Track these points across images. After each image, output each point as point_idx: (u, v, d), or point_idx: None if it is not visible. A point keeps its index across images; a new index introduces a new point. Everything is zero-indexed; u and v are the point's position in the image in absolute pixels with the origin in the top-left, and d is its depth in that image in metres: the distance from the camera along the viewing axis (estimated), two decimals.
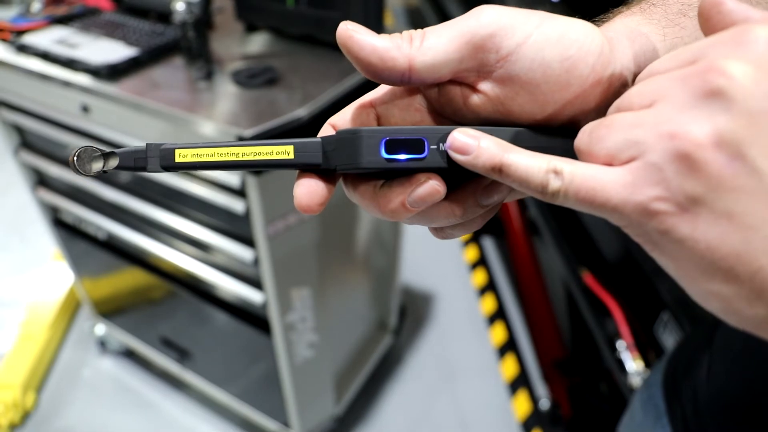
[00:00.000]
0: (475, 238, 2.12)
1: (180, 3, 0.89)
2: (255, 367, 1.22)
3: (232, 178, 0.85)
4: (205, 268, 1.06)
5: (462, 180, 0.26)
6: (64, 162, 1.14)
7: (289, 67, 0.96)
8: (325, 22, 0.97)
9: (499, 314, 1.81)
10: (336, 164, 0.25)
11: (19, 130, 1.17)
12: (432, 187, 0.24)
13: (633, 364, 1.11)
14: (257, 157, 0.25)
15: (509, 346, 1.70)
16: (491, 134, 0.23)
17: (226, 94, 0.89)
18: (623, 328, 1.16)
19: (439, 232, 0.28)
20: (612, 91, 0.24)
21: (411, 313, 1.78)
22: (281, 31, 1.08)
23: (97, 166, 0.25)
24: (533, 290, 1.76)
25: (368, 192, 0.26)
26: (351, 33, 0.24)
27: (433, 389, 1.57)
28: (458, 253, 2.07)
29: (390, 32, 0.92)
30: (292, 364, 1.11)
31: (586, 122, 0.24)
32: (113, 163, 0.26)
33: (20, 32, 1.04)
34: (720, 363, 0.41)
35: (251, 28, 1.10)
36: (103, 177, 1.10)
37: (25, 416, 1.46)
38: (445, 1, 2.80)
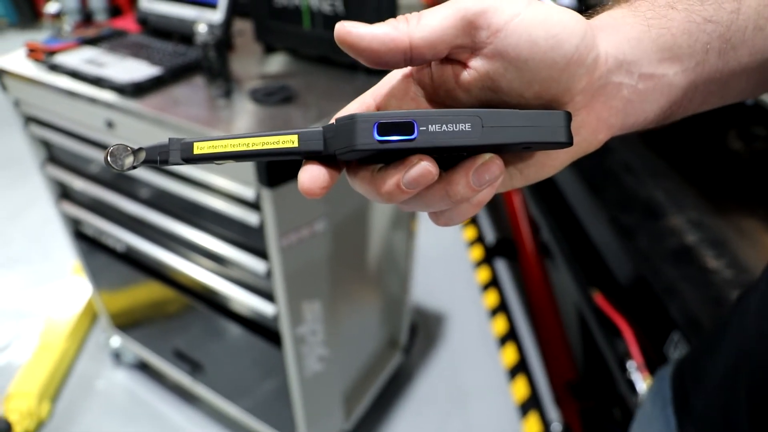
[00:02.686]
0: (488, 260, 2.13)
1: (202, 25, 0.93)
2: (265, 381, 1.23)
3: (246, 191, 0.88)
4: (220, 281, 1.09)
5: (454, 161, 0.27)
6: (87, 176, 1.19)
7: (304, 86, 1.00)
8: None
9: (511, 335, 1.80)
10: (335, 149, 0.27)
11: (47, 145, 1.22)
12: (424, 167, 0.25)
13: (643, 384, 1.10)
14: (265, 146, 0.27)
15: (520, 368, 1.69)
16: (482, 115, 0.25)
17: (244, 111, 0.93)
18: (633, 348, 1.16)
19: (439, 217, 0.29)
20: (597, 75, 0.26)
21: (422, 332, 1.78)
22: (298, 53, 1.12)
23: (129, 161, 0.27)
24: (545, 312, 1.75)
25: (366, 177, 0.27)
26: (348, 29, 0.26)
27: (443, 409, 1.57)
28: (470, 273, 2.08)
29: None
30: (302, 378, 1.12)
31: (572, 103, 0.26)
32: (141, 157, 0.28)
33: (52, 52, 1.09)
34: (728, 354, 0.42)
35: (269, 49, 1.14)
36: (123, 190, 1.14)
37: (40, 425, 1.49)
38: None
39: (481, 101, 0.28)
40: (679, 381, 0.48)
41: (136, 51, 1.10)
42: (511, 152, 0.29)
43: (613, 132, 0.29)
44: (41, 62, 1.08)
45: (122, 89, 0.96)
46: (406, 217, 1.34)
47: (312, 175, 0.27)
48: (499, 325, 1.85)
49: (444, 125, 0.25)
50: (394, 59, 0.26)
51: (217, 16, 1.05)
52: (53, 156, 1.23)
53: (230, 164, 0.87)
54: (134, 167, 0.28)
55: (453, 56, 0.27)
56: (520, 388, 1.63)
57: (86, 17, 1.46)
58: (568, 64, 0.25)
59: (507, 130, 0.26)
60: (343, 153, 0.26)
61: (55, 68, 1.05)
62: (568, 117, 0.26)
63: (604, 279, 1.30)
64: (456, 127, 0.25)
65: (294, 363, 1.09)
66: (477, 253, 2.18)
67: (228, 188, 0.91)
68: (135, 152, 0.28)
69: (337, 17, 0.97)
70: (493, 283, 2.03)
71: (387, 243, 1.30)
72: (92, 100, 0.98)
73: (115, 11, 1.50)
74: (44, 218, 2.25)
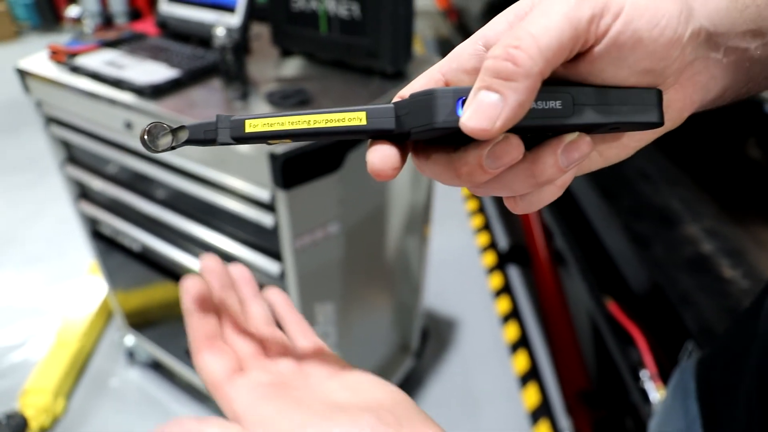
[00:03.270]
0: (501, 266, 2.12)
1: (220, 29, 0.95)
2: None
3: (261, 192, 0.89)
4: None
5: (541, 139, 0.25)
6: (106, 176, 1.21)
7: (320, 89, 1.01)
8: (356, 49, 1.02)
9: (523, 342, 1.80)
10: (410, 127, 0.24)
11: (67, 146, 1.24)
12: (510, 144, 0.23)
13: (656, 394, 1.09)
14: (329, 124, 0.25)
15: (532, 375, 1.69)
16: (573, 93, 0.24)
17: (260, 113, 0.94)
18: (647, 357, 1.15)
19: (518, 202, 0.28)
20: (689, 50, 0.25)
21: (433, 337, 1.78)
22: (314, 57, 1.13)
23: (167, 141, 0.26)
24: (558, 319, 1.75)
25: (442, 159, 0.25)
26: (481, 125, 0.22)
27: (453, 414, 1.56)
28: (483, 279, 2.07)
29: (419, 60, 0.96)
30: None
31: (664, 83, 0.25)
32: (183, 136, 0.26)
33: (73, 54, 1.11)
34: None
35: (286, 53, 1.16)
36: (140, 190, 1.15)
37: (55, 421, 1.51)
38: (474, 32, 2.86)
39: (567, 82, 0.25)
40: (705, 371, 0.48)
41: (155, 53, 1.11)
42: (597, 132, 0.27)
43: (694, 108, 0.28)
44: (63, 64, 1.10)
45: (141, 91, 0.98)
46: (419, 222, 1.35)
47: (383, 155, 0.25)
48: (511, 331, 1.84)
49: (533, 102, 0.23)
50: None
51: (235, 19, 1.07)
52: (73, 156, 1.25)
53: (246, 164, 0.88)
54: (173, 148, 0.26)
55: None
56: (531, 396, 1.62)
57: (107, 20, 1.49)
58: (668, 50, 0.24)
59: (599, 108, 0.24)
60: (420, 131, 0.24)
61: (76, 70, 1.07)
62: (660, 95, 0.25)
63: (618, 287, 1.29)
64: (546, 105, 0.23)
65: None
66: (490, 259, 2.18)
67: (243, 189, 0.92)
68: (175, 131, 0.26)
69: (354, 22, 0.98)
70: (506, 289, 2.02)
71: (400, 247, 1.31)
72: (112, 102, 1.00)
73: (134, 15, 1.53)
74: (61, 218, 2.29)
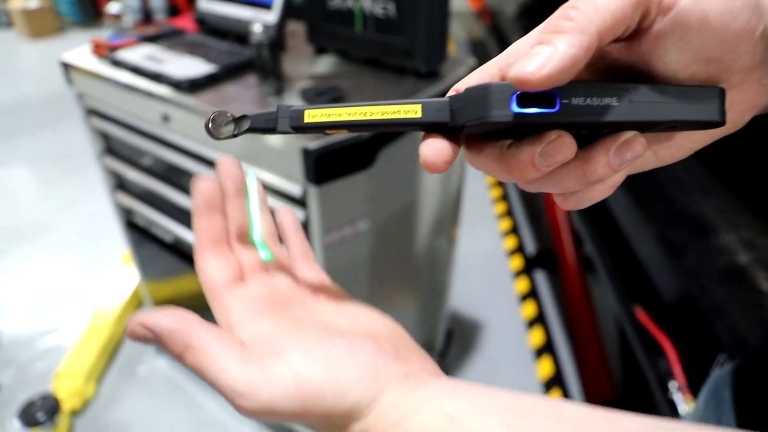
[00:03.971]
0: (527, 270, 2.10)
1: (257, 25, 0.96)
2: None
3: (293, 187, 0.90)
4: None
5: (594, 138, 0.25)
6: (141, 168, 1.23)
7: (353, 87, 1.01)
8: (390, 47, 1.02)
9: (547, 348, 1.78)
10: (464, 120, 0.25)
11: (105, 137, 1.27)
12: (563, 143, 0.23)
13: (685, 406, 1.07)
14: (385, 116, 0.26)
15: (556, 381, 1.67)
16: (630, 89, 0.23)
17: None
18: (676, 368, 1.12)
19: (568, 199, 0.27)
20: (761, 49, 0.23)
21: (458, 338, 1.78)
22: (348, 55, 1.14)
23: (229, 129, 0.27)
24: (584, 326, 1.72)
25: (494, 154, 0.25)
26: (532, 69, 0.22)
27: None
28: (509, 283, 2.06)
29: (453, 61, 0.96)
30: None
31: (728, 82, 0.24)
32: (245, 125, 0.27)
33: (115, 48, 1.15)
34: None
35: (320, 50, 1.17)
36: (174, 182, 1.18)
37: (85, 404, 1.55)
38: (508, 34, 2.84)
39: (623, 78, 0.25)
40: (742, 379, 0.47)
41: (193, 49, 1.14)
42: (653, 131, 0.26)
43: (756, 112, 0.27)
44: (104, 57, 1.13)
45: (179, 85, 1.00)
46: (448, 223, 1.34)
47: (436, 148, 0.25)
48: (536, 336, 1.82)
49: (588, 98, 0.23)
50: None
51: (271, 17, 1.08)
52: (110, 148, 1.29)
53: (278, 159, 0.89)
54: (235, 135, 0.27)
55: None
56: None
57: (146, 16, 1.52)
58: (737, 41, 0.23)
59: (656, 106, 0.23)
60: (474, 125, 0.24)
61: (117, 63, 1.10)
62: (723, 94, 0.24)
63: (648, 296, 1.27)
64: (601, 101, 0.23)
65: None
66: (517, 262, 2.16)
67: (275, 183, 0.94)
68: (237, 120, 0.27)
69: (389, 21, 0.99)
70: (532, 293, 2.00)
71: (427, 247, 1.31)
72: (150, 95, 1.02)
73: (173, 11, 1.56)
74: (95, 210, 2.35)
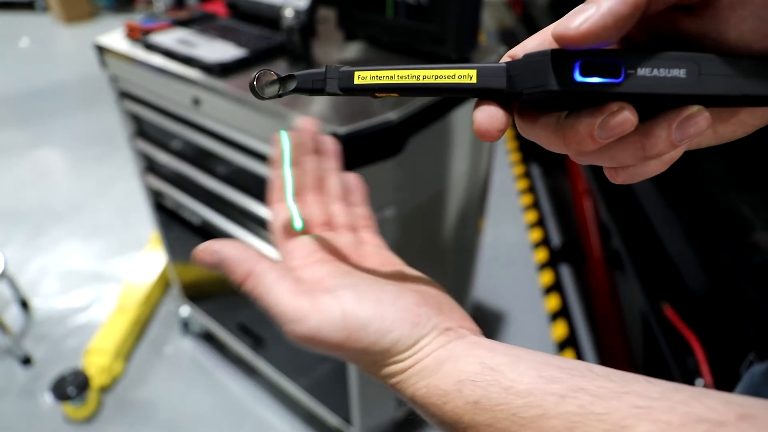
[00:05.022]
0: (552, 263, 2.08)
1: (289, 9, 0.96)
2: (324, 363, 1.26)
3: None
4: None
5: (655, 110, 0.23)
6: (172, 150, 1.25)
7: None
8: (421, 34, 1.02)
9: (570, 341, 1.76)
10: (522, 88, 0.24)
11: (137, 120, 1.29)
12: (625, 116, 0.22)
13: None
14: (438, 81, 0.25)
15: None
16: (700, 61, 0.22)
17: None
18: (704, 366, 1.10)
19: (619, 173, 0.26)
20: None
21: (480, 329, 1.77)
22: (378, 41, 1.14)
23: (274, 89, 0.26)
24: (609, 321, 1.70)
25: (550, 124, 0.25)
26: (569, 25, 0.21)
27: None
28: (533, 276, 2.04)
29: (483, 49, 0.95)
30: None
31: None
32: (291, 85, 0.26)
33: (148, 32, 1.16)
34: None
35: (350, 36, 1.16)
36: (203, 165, 1.19)
37: (113, 381, 1.59)
38: (539, 24, 2.79)
39: (693, 48, 0.23)
40: None
41: (225, 33, 1.14)
42: (719, 106, 0.24)
43: None
44: (138, 41, 1.15)
45: (210, 69, 1.01)
46: (474, 213, 1.34)
47: (491, 115, 0.25)
48: (559, 329, 1.80)
49: (655, 69, 0.22)
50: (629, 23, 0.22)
51: (302, 2, 1.08)
52: (142, 130, 1.31)
53: None
54: (280, 95, 0.26)
55: (680, 2, 0.22)
56: None
57: (178, 1, 1.54)
58: None
59: (727, 79, 0.22)
60: (533, 93, 0.23)
61: (150, 47, 1.11)
62: None
63: (677, 292, 1.24)
64: (669, 73, 0.22)
65: None
66: (541, 255, 2.14)
67: None
68: (283, 80, 0.26)
69: (421, 7, 0.98)
70: (556, 286, 1.98)
71: (453, 237, 1.30)
72: (181, 78, 1.03)
73: None
74: (128, 191, 2.40)
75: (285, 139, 0.37)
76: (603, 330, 1.70)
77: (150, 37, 1.14)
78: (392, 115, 0.88)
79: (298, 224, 0.36)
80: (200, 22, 1.22)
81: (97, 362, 1.53)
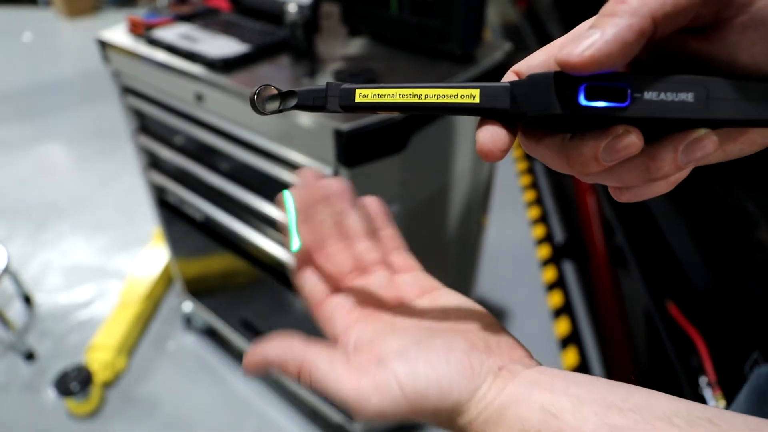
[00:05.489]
0: (555, 260, 2.08)
1: (292, 5, 0.96)
2: None
3: (325, 169, 0.90)
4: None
5: (662, 133, 0.23)
6: (174, 146, 1.25)
7: (387, 70, 1.00)
8: (426, 30, 1.01)
9: (573, 338, 1.76)
10: (526, 109, 0.24)
11: (140, 115, 1.29)
12: (630, 139, 0.22)
13: (715, 402, 1.05)
14: (441, 100, 0.25)
15: (581, 372, 1.65)
16: (708, 85, 0.21)
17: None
18: (707, 363, 1.10)
19: (624, 192, 0.26)
20: None
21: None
22: (383, 36, 1.13)
23: (274, 104, 0.26)
24: (611, 317, 1.69)
25: (555, 144, 0.24)
26: (572, 52, 0.21)
27: None
28: (536, 272, 2.04)
29: (488, 46, 0.94)
30: None
31: None
32: (292, 101, 0.26)
33: (150, 27, 1.15)
34: None
35: (354, 32, 1.16)
36: (206, 161, 1.19)
37: (116, 377, 1.59)
38: (544, 20, 2.78)
39: (702, 71, 0.23)
40: None
41: (227, 28, 1.14)
42: (726, 127, 0.24)
43: None
44: (140, 36, 1.14)
45: (213, 64, 1.00)
46: (478, 209, 1.33)
47: (493, 135, 0.24)
48: (562, 326, 1.80)
49: (662, 93, 0.22)
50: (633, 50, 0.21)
51: None
52: (145, 126, 1.31)
53: (311, 141, 0.89)
54: (281, 111, 0.26)
55: (689, 25, 0.22)
56: None
57: None
58: None
59: (735, 104, 0.21)
60: (536, 116, 0.23)
61: (153, 42, 1.10)
62: None
63: (681, 290, 1.24)
64: (676, 97, 0.22)
65: None
66: (544, 251, 2.13)
67: (306, 165, 0.94)
68: (284, 95, 0.26)
69: (425, 2, 0.97)
70: (559, 283, 1.98)
71: (456, 233, 1.30)
72: (184, 74, 1.03)
73: None
74: (131, 187, 2.40)
75: (289, 199, 0.36)
76: (606, 327, 1.69)
77: (153, 32, 1.13)
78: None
79: (295, 246, 0.35)
80: (203, 17, 1.22)
81: (100, 358, 1.54)
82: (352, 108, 0.26)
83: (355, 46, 1.13)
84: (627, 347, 1.60)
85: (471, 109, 0.25)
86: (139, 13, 1.22)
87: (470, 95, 0.24)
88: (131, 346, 1.68)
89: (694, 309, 1.19)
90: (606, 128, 0.22)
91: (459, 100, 0.25)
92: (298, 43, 0.98)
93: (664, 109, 0.22)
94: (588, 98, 0.22)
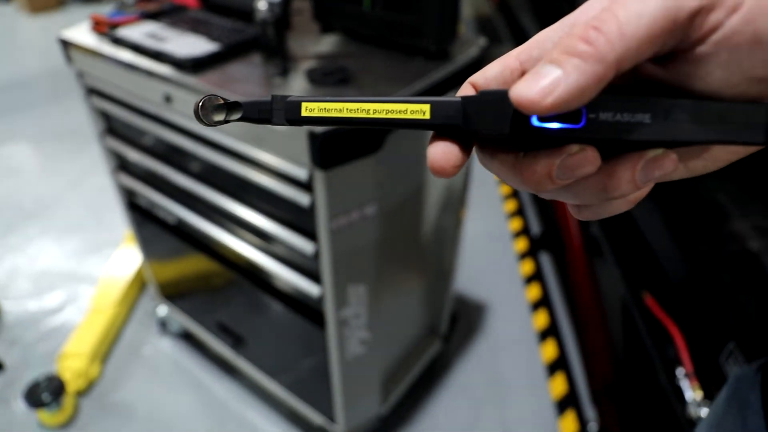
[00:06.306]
0: (532, 252, 2.09)
1: (262, 2, 0.93)
2: (306, 360, 1.25)
3: (299, 171, 0.88)
4: (266, 258, 1.10)
5: (620, 151, 0.23)
6: (143, 148, 1.21)
7: (361, 67, 0.98)
8: (400, 26, 0.99)
9: (552, 331, 1.77)
10: (478, 128, 0.23)
11: (107, 117, 1.25)
12: (585, 157, 0.21)
13: (692, 393, 1.06)
14: (389, 116, 0.24)
15: (559, 364, 1.66)
16: (666, 106, 0.21)
17: (300, 90, 0.92)
18: (684, 355, 1.11)
19: (583, 210, 0.26)
20: None
21: (462, 321, 1.77)
22: (356, 33, 1.11)
23: (220, 116, 0.25)
24: (589, 309, 1.71)
25: (508, 161, 0.24)
26: (525, 93, 0.20)
27: (479, 400, 1.56)
28: (514, 265, 2.05)
29: (462, 41, 0.92)
30: (343, 360, 1.13)
31: None
32: (237, 114, 0.25)
33: (115, 25, 1.11)
34: None
35: (327, 29, 1.13)
36: (177, 164, 1.16)
37: (90, 385, 1.55)
38: (517, 12, 2.78)
39: (660, 91, 0.23)
40: None
41: (196, 26, 1.10)
42: (685, 146, 0.24)
43: None
44: (104, 35, 1.10)
45: (181, 64, 0.97)
46: (455, 205, 1.32)
47: (445, 152, 0.24)
48: (541, 319, 1.81)
49: (618, 114, 0.21)
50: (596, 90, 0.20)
51: None
52: (112, 128, 1.26)
53: (284, 142, 0.87)
54: (226, 122, 0.25)
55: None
56: (558, 385, 1.60)
57: None
58: None
59: (694, 126, 0.21)
60: (488, 135, 0.23)
61: (117, 41, 1.07)
62: None
63: (656, 281, 1.25)
64: (632, 118, 0.21)
65: (336, 345, 1.09)
66: (522, 244, 2.14)
67: (280, 167, 0.91)
68: (229, 106, 0.25)
69: None
70: (537, 276, 1.99)
71: (435, 230, 1.29)
72: (151, 74, 1.00)
73: None
74: (101, 188, 2.34)
75: None
76: (584, 319, 1.71)
77: (117, 31, 1.09)
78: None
79: None
80: (170, 15, 1.18)
81: (72, 366, 1.49)
82: (298, 122, 0.25)
83: (328, 43, 1.10)
84: (604, 339, 1.62)
85: (422, 125, 0.24)
86: (105, 10, 1.18)
87: (420, 111, 0.24)
88: (105, 352, 1.64)
89: (670, 300, 1.20)
90: (560, 146, 0.22)
91: (409, 116, 0.24)
92: (269, 42, 0.96)
93: (620, 131, 0.21)
94: (541, 119, 0.21)
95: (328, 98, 0.25)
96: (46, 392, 1.40)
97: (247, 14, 1.10)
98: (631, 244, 1.36)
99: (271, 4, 0.93)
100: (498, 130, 0.22)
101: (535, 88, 0.19)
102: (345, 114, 0.25)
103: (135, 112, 1.12)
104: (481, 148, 0.25)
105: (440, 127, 0.24)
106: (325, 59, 1.03)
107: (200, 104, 0.25)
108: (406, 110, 0.24)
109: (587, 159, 0.21)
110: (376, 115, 0.24)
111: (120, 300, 1.72)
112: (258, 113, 0.25)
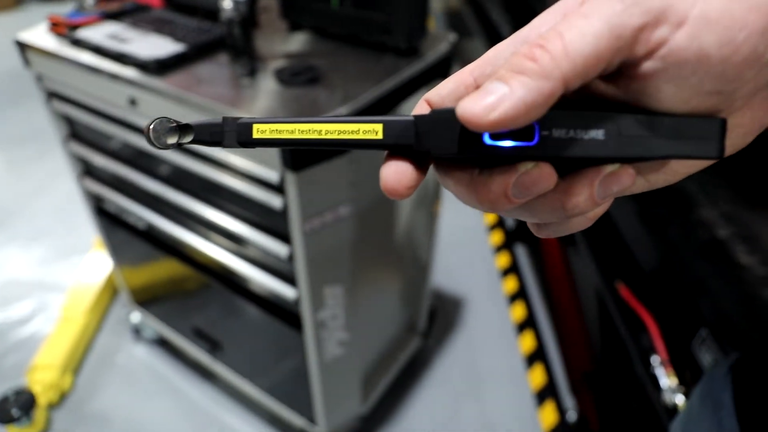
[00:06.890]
0: (508, 245, 2.10)
1: (227, 1, 0.91)
2: (284, 363, 1.23)
3: (270, 174, 0.86)
4: (240, 262, 1.08)
5: (576, 167, 0.22)
6: (109, 153, 1.18)
7: (331, 66, 0.97)
8: (369, 23, 0.98)
9: (529, 322, 1.79)
10: (430, 147, 0.23)
11: (69, 121, 1.21)
12: (540, 175, 0.21)
13: (667, 380, 1.08)
14: (342, 136, 0.24)
15: (538, 356, 1.68)
16: (620, 122, 0.21)
17: (269, 91, 0.90)
18: (658, 343, 1.13)
19: (542, 228, 0.26)
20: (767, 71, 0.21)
21: (440, 317, 1.77)
22: (324, 31, 1.09)
23: (173, 139, 0.25)
24: (565, 300, 1.73)
25: (464, 179, 0.23)
26: (472, 110, 0.20)
27: (459, 394, 1.56)
28: (490, 258, 2.06)
29: (432, 37, 0.92)
30: (322, 361, 1.12)
31: (730, 109, 0.22)
32: (189, 136, 0.25)
33: (75, 27, 1.08)
34: None
35: (295, 27, 1.12)
36: (144, 168, 1.13)
37: (62, 397, 1.51)
38: (486, 6, 2.79)
39: (613, 106, 0.22)
40: (743, 380, 0.46)
41: (160, 26, 1.08)
42: (644, 161, 0.24)
43: (760, 130, 0.25)
44: (64, 36, 1.07)
45: (145, 66, 0.95)
46: (430, 199, 1.32)
47: (398, 172, 0.23)
48: (518, 311, 1.83)
49: (572, 130, 0.21)
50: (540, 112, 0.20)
51: None
52: (76, 132, 1.23)
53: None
54: (179, 145, 0.25)
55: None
56: (537, 376, 1.62)
57: None
58: (741, 70, 0.20)
59: (648, 141, 0.21)
60: (440, 155, 0.23)
61: (77, 43, 1.03)
62: (724, 126, 0.21)
63: (629, 270, 1.27)
64: (586, 135, 0.21)
65: (314, 347, 1.08)
66: (497, 237, 2.16)
67: (251, 170, 0.90)
68: (181, 129, 0.25)
69: None
70: (513, 268, 2.00)
71: (410, 226, 1.28)
72: (114, 77, 0.97)
73: None
74: (68, 192, 2.27)
75: None
76: (560, 311, 1.73)
77: (77, 32, 1.05)
78: (342, 111, 0.84)
79: None
80: (133, 15, 1.14)
81: (42, 379, 1.45)
82: (250, 144, 0.25)
83: (297, 41, 1.08)
84: (581, 328, 1.64)
85: (375, 145, 0.24)
86: (64, 10, 1.14)
87: (373, 130, 0.23)
88: (77, 362, 1.60)
89: (643, 289, 1.22)
90: (515, 163, 0.22)
91: (361, 136, 0.24)
92: (236, 41, 0.93)
93: (574, 148, 0.21)
94: (493, 137, 0.21)
95: (279, 119, 0.24)
96: (15, 407, 1.36)
97: (212, 13, 1.08)
98: (604, 234, 1.38)
99: (236, 3, 0.91)
100: (449, 149, 0.22)
101: (480, 104, 0.19)
102: (297, 135, 0.24)
103: (99, 116, 1.09)
104: (436, 167, 0.25)
105: (393, 147, 0.24)
106: (294, 58, 1.01)
107: (152, 127, 0.24)
108: (359, 130, 0.24)
109: (542, 176, 0.21)
110: (329, 136, 0.24)
111: (91, 308, 1.67)
112: (210, 135, 0.25)
